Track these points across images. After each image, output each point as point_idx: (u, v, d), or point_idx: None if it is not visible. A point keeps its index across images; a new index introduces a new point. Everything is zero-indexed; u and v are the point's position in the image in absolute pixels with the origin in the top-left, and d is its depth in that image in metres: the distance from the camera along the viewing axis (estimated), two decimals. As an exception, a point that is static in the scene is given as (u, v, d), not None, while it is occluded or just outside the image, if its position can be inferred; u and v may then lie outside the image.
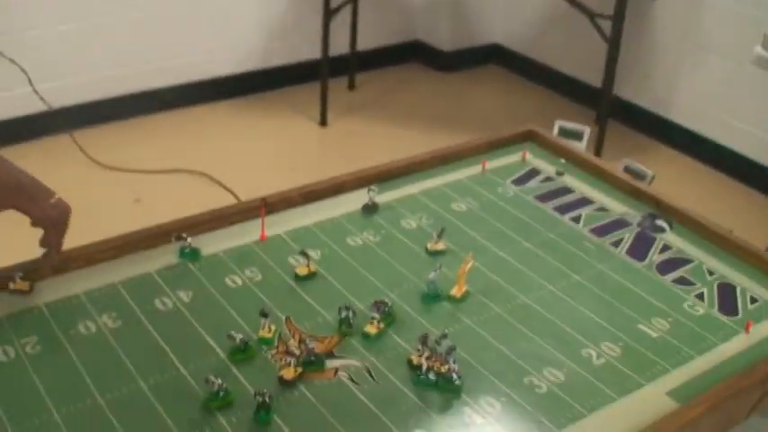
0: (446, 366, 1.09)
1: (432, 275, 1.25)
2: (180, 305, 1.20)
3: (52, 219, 1.16)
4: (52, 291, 1.20)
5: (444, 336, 1.13)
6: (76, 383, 1.06)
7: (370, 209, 1.44)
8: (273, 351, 1.11)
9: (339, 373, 1.11)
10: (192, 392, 1.06)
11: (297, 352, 1.11)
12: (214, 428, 1.02)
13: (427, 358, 1.10)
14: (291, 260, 1.30)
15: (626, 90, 3.62)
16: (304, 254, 1.28)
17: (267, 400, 1.03)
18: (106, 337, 1.14)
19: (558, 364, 1.15)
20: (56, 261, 1.19)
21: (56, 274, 1.21)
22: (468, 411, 1.06)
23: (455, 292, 1.26)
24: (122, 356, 1.11)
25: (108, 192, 2.94)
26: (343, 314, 1.18)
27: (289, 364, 1.09)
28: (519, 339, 1.19)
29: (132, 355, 1.11)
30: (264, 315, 1.15)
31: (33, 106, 3.17)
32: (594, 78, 3.61)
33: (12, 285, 1.17)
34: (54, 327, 1.14)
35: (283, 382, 1.09)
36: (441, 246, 1.35)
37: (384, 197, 1.46)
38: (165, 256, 1.29)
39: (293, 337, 1.15)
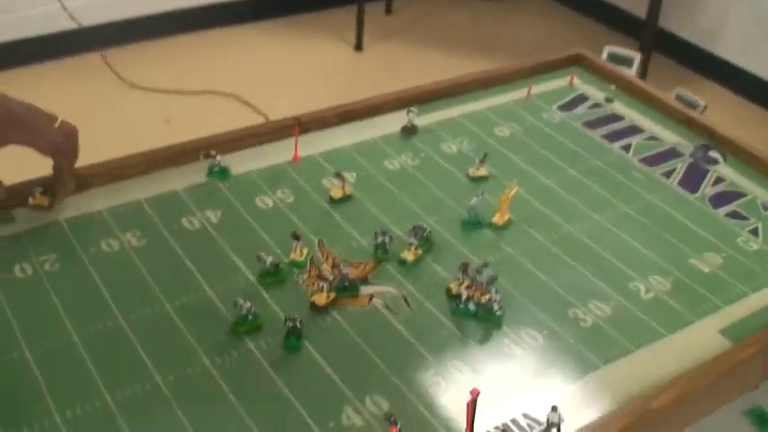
0: (487, 296, 1.03)
1: (473, 201, 1.18)
2: (208, 225, 1.15)
3: (58, 145, 1.09)
4: (74, 207, 1.14)
5: (485, 264, 1.07)
6: (97, 303, 1.01)
7: (409, 131, 1.37)
8: (305, 275, 1.06)
9: (374, 300, 1.06)
10: (220, 315, 1.01)
11: (330, 277, 1.05)
12: (242, 353, 0.97)
13: (467, 287, 1.04)
14: (326, 182, 1.24)
15: (671, 21, 3.49)
16: (339, 176, 1.22)
17: (298, 325, 0.98)
18: (129, 256, 1.09)
19: (605, 298, 1.09)
20: (72, 187, 1.13)
21: (78, 190, 1.15)
22: (508, 343, 1.01)
23: (497, 219, 1.19)
24: (146, 276, 1.06)
25: (137, 112, 2.89)
26: (379, 239, 1.12)
27: (321, 290, 1.04)
28: (563, 270, 1.12)
29: (157, 275, 1.06)
30: (296, 238, 1.09)
31: (62, 24, 3.10)
32: (639, 8, 3.47)
33: (31, 200, 1.12)
34: (75, 244, 1.09)
35: (315, 308, 1.03)
36: (483, 171, 1.28)
37: (424, 120, 1.39)
38: (193, 175, 1.23)
39: (326, 261, 1.10)
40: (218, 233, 1.14)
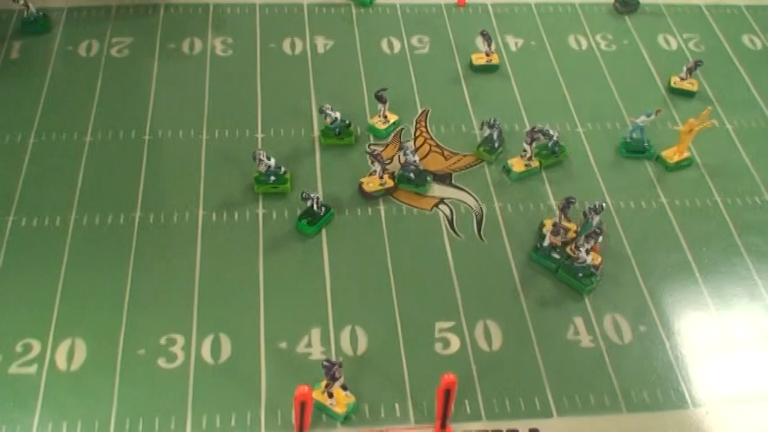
0: (583, 248, 0.74)
1: (641, 119, 0.86)
2: (309, 50, 0.94)
3: None
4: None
5: (599, 209, 0.77)
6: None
7: (627, 5, 1.04)
8: (375, 150, 0.83)
9: (440, 206, 0.80)
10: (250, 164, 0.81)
11: (387, 162, 0.81)
12: (242, 215, 0.78)
13: (555, 232, 0.76)
14: (479, 42, 0.96)
15: None
16: (485, 36, 0.93)
17: (315, 207, 0.76)
18: (216, 60, 0.92)
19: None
20: None
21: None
22: (579, 323, 0.72)
23: (669, 154, 0.86)
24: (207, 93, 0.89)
25: None
26: (486, 132, 0.85)
27: (373, 173, 0.81)
28: (728, 258, 0.79)
29: (216, 96, 0.89)
30: (381, 99, 0.85)
31: None
32: None
33: None
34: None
35: (362, 193, 0.80)
36: (688, 84, 0.94)
37: (653, -2, 1.04)
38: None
39: (417, 136, 0.85)
40: (316, 63, 0.93)
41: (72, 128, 0.84)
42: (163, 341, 0.68)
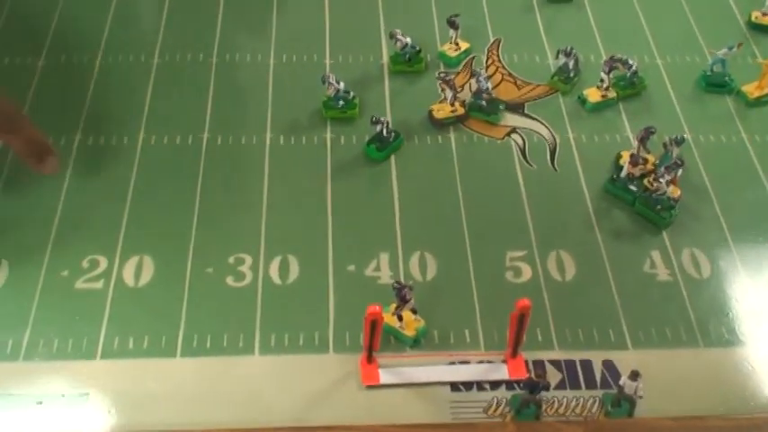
0: (660, 181, 0.71)
1: (722, 52, 0.82)
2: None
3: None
4: None
5: (680, 141, 0.74)
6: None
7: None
8: (448, 75, 0.80)
9: (512, 135, 0.78)
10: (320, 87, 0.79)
11: (459, 90, 0.79)
12: (310, 139, 0.76)
13: (634, 163, 0.73)
14: (552, -30, 0.93)
15: None
16: (561, -36, 0.90)
17: (384, 132, 0.75)
18: None
19: None
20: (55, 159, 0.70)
21: None
22: (656, 256, 0.70)
23: (751, 89, 0.83)
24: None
25: None
26: (561, 60, 0.82)
27: (444, 100, 0.78)
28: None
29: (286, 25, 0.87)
30: (453, 25, 0.83)
31: None
32: None
33: None
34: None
35: (432, 121, 0.79)
36: (772, 19, 0.90)
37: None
38: None
39: (489, 65, 0.83)
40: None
41: (139, 50, 0.83)
42: (231, 260, 0.67)
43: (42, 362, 0.60)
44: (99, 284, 0.65)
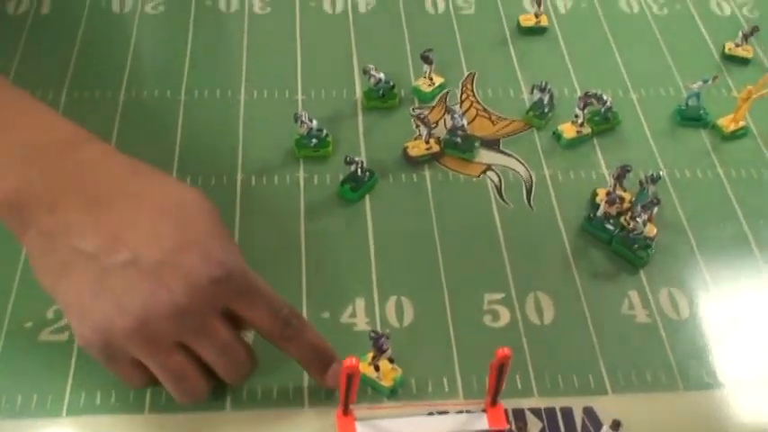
0: (637, 221, 0.70)
1: (697, 85, 0.82)
2: (350, 10, 0.91)
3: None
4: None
5: (656, 178, 0.73)
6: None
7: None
8: (422, 113, 0.79)
9: (488, 173, 0.77)
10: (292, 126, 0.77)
11: (433, 126, 0.78)
12: (282, 178, 0.75)
13: (610, 201, 0.72)
14: (526, 2, 0.93)
15: None
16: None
17: (359, 171, 0.73)
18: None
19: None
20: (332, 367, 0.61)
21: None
22: (634, 297, 0.69)
23: (726, 122, 0.83)
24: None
25: None
26: (537, 96, 0.81)
27: (419, 137, 0.77)
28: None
29: (254, 53, 0.86)
30: (427, 60, 0.82)
31: None
32: None
33: None
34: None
35: (407, 159, 0.77)
36: (742, 51, 0.90)
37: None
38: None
39: (463, 100, 0.82)
40: (357, 23, 0.89)
41: (105, 86, 0.81)
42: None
43: (4, 420, 0.58)
44: (64, 336, 0.63)
